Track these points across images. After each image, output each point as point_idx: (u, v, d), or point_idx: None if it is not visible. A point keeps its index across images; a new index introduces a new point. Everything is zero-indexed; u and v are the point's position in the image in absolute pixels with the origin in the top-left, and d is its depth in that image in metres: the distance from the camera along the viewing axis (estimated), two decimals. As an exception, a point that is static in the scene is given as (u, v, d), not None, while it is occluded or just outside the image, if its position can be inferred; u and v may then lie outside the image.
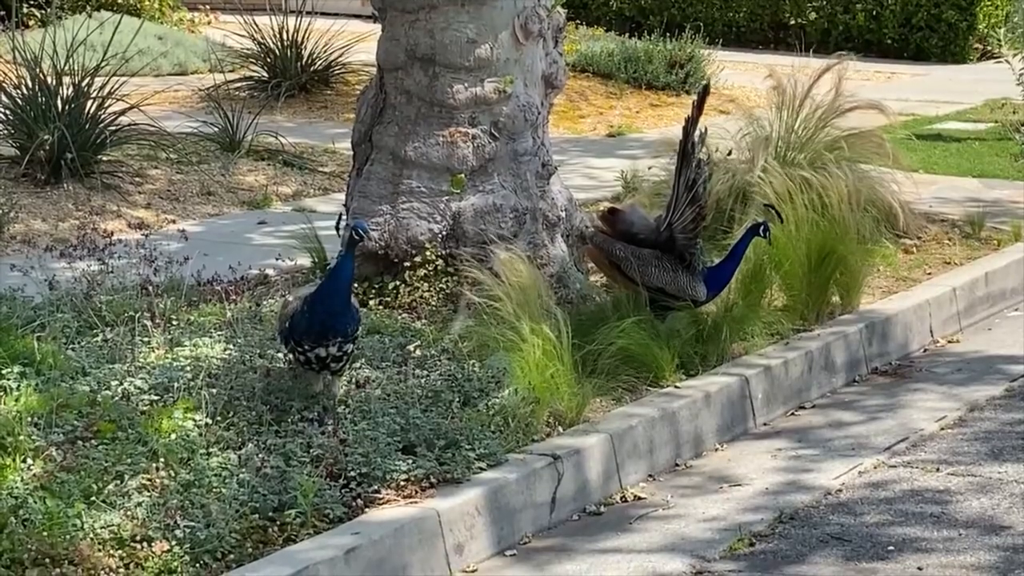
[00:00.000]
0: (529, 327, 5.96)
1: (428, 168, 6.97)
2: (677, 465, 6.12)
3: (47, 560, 4.53)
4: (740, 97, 13.85)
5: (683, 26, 15.63)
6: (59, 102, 9.50)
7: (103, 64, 9.78)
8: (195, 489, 4.96)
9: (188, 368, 5.74)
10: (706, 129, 6.94)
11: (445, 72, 6.94)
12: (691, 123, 6.81)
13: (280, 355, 5.83)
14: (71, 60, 9.63)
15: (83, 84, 9.58)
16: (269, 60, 12.93)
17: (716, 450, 6.32)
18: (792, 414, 6.77)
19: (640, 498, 5.81)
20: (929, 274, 8.41)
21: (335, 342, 5.46)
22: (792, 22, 18.11)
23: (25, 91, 9.53)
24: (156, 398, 5.51)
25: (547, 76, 7.21)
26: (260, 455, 5.13)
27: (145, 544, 4.68)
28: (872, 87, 14.47)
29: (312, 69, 13.04)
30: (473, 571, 5.17)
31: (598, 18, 18.29)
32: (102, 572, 4.51)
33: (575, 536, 5.46)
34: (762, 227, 6.94)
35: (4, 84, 9.62)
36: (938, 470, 6.08)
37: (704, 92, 6.97)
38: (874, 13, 17.73)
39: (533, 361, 5.88)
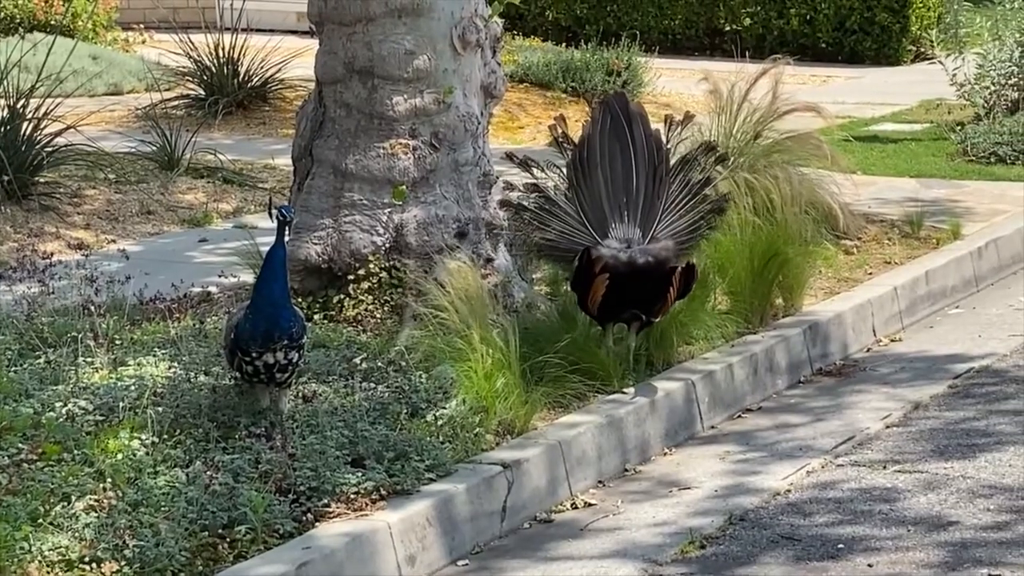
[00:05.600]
0: (479, 336, 5.96)
1: (369, 180, 6.95)
2: (626, 471, 6.13)
3: (-5, 584, 4.50)
4: (676, 103, 13.90)
5: (619, 35, 15.67)
6: (-6, 124, 9.43)
7: (38, 85, 9.71)
8: (143, 508, 4.92)
9: (133, 387, 5.70)
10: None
11: (384, 84, 6.94)
12: (632, 124, 6.81)
13: (226, 373, 5.80)
14: (5, 82, 9.55)
15: (18, 106, 9.51)
16: (205, 78, 12.86)
17: (664, 455, 6.33)
18: (738, 417, 6.80)
19: (590, 504, 5.82)
20: (870, 274, 8.48)
21: (281, 346, 5.42)
22: (727, 28, 18.21)
23: (-41, 114, 9.46)
24: (101, 418, 5.47)
25: (486, 86, 7.22)
26: (208, 472, 5.10)
27: (94, 565, 4.64)
28: (808, 90, 14.56)
29: (249, 86, 12.98)
30: (426, 582, 5.17)
31: (535, 28, 18.32)
32: (51, 595, 4.47)
33: (527, 544, 5.46)
34: None
35: (-62, 107, 9.54)
36: (885, 468, 6.12)
37: (619, 100, 6.96)
38: (808, 17, 17.86)
39: (481, 371, 5.88)
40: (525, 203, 6.90)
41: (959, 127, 12.10)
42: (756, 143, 8.95)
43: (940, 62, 12.70)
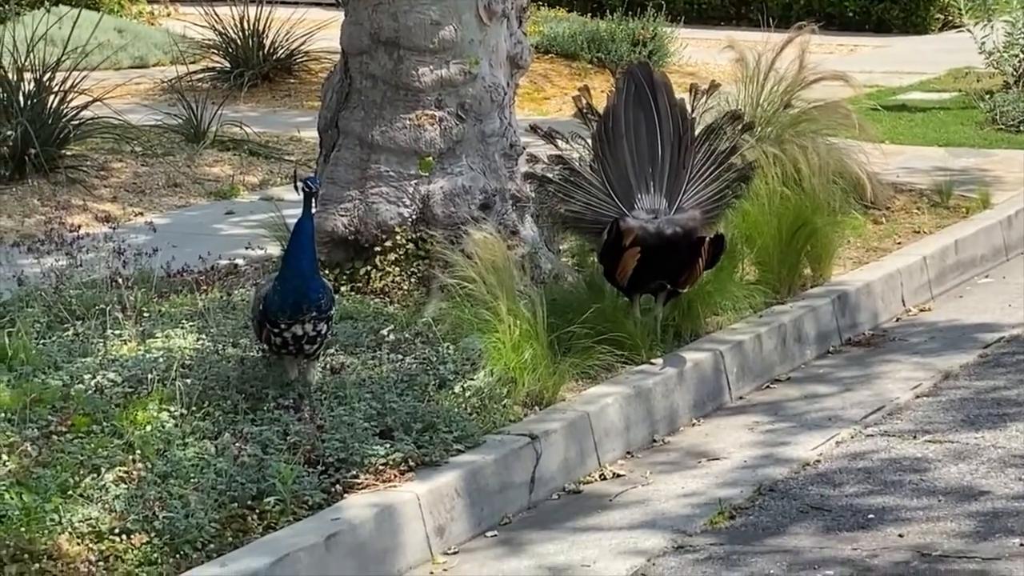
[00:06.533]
0: (506, 307, 5.95)
1: (396, 152, 6.94)
2: (654, 442, 6.12)
3: (26, 556, 4.50)
4: (702, 73, 13.84)
5: (645, 5, 15.59)
6: (21, 98, 9.44)
7: (63, 59, 9.72)
8: (172, 480, 4.93)
9: (161, 359, 5.71)
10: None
11: (410, 55, 6.91)
12: (656, 92, 6.77)
13: (254, 345, 5.79)
14: (31, 55, 9.56)
15: (44, 79, 9.52)
16: (231, 50, 12.86)
17: (692, 425, 6.32)
18: (767, 387, 6.78)
19: (619, 475, 5.81)
20: (899, 244, 8.44)
21: (310, 317, 5.41)
22: (754, -3, 18.10)
23: (-14, 87, 9.48)
24: (130, 390, 5.47)
25: (512, 56, 7.19)
26: (237, 444, 5.10)
27: (124, 536, 4.66)
28: (835, 60, 14.48)
29: (275, 58, 12.98)
30: (454, 553, 5.16)
31: (559, -1, 18.24)
32: (81, 566, 4.48)
33: (555, 515, 5.46)
34: None
35: (-36, 81, 9.55)
36: (915, 438, 6.09)
37: (642, 70, 6.92)
38: (835, -14, 17.76)
39: (509, 342, 5.87)
40: (549, 175, 6.89)
41: (988, 95, 12.02)
42: (784, 112, 8.90)
43: (968, 30, 12.60)
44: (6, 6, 13.26)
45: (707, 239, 6.37)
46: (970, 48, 12.56)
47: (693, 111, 6.96)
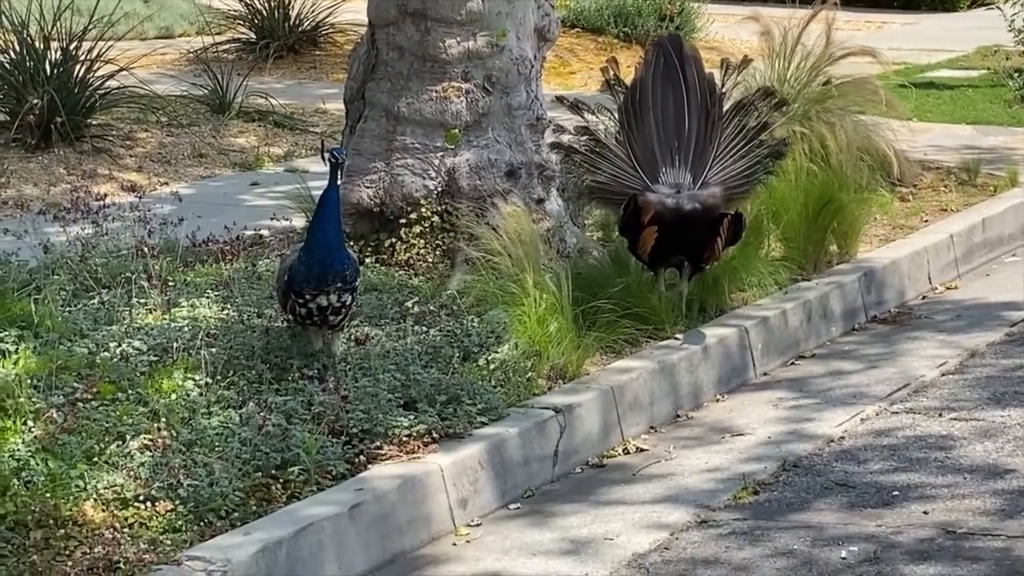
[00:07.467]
0: (532, 280, 5.94)
1: (422, 124, 6.92)
2: (678, 417, 6.11)
3: (51, 521, 4.51)
4: (729, 49, 13.77)
5: (672, -21, 15.52)
6: (47, 66, 9.47)
7: (89, 28, 9.73)
8: (197, 448, 4.93)
9: (186, 328, 5.72)
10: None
11: (437, 26, 6.89)
12: (685, 64, 6.73)
13: (279, 315, 5.79)
14: (58, 24, 9.57)
15: (70, 48, 9.53)
16: (256, 21, 12.86)
17: (717, 401, 6.31)
18: (791, 364, 6.76)
19: (642, 450, 5.80)
20: (926, 221, 8.40)
21: (335, 288, 5.41)
22: (781, -26, 18.02)
23: (13, 55, 9.49)
24: (155, 359, 5.48)
25: (539, 29, 7.16)
26: (261, 413, 5.11)
27: (149, 504, 4.67)
28: (863, 36, 14.41)
29: (300, 29, 12.98)
30: (477, 525, 5.16)
31: (586, -27, 18.16)
32: (106, 532, 4.49)
33: (579, 488, 5.45)
34: None
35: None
36: (940, 416, 6.07)
37: (672, 41, 6.88)
38: (864, -38, 17.66)
39: (534, 315, 5.86)
40: (576, 146, 6.86)
41: (1017, 73, 11.96)
42: (811, 88, 8.85)
43: (998, 8, 12.53)
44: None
45: (727, 217, 6.34)
46: (999, 26, 12.50)
47: (723, 86, 6.91)
